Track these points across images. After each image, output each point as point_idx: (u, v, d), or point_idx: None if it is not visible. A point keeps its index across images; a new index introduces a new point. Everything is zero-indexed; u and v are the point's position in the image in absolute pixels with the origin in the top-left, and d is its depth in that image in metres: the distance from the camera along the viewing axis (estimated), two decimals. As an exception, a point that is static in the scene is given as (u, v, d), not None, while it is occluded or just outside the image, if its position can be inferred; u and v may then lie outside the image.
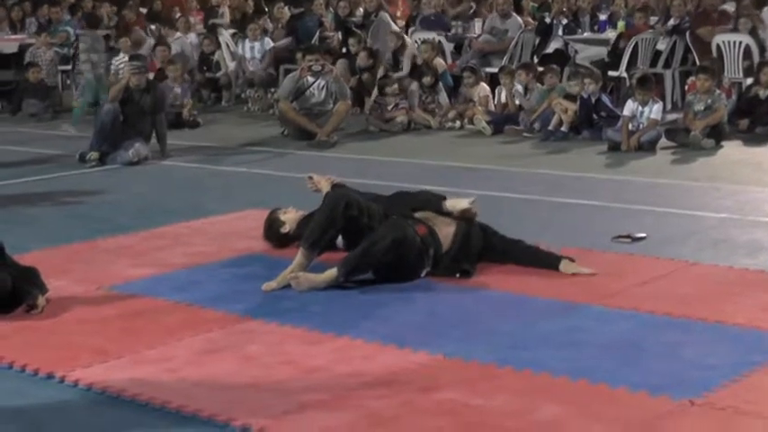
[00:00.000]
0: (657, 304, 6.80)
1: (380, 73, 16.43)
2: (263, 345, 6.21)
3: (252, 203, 10.17)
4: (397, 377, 5.66)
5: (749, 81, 15.02)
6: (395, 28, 17.90)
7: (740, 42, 16.02)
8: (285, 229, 8.30)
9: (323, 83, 14.58)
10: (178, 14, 21.47)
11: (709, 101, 13.45)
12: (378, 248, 7.23)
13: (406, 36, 17.28)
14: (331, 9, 20.06)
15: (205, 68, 18.92)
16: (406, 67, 16.37)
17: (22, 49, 19.64)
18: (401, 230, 7.36)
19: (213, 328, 6.50)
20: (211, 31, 20.33)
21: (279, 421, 5.10)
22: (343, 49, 17.92)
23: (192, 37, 19.84)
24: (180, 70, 16.73)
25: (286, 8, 20.68)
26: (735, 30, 16.38)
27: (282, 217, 8.37)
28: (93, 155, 12.77)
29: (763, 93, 14.20)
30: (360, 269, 7.34)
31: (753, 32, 16.23)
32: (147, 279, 7.65)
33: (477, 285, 7.36)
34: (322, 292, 7.20)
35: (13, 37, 20.93)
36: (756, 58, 15.68)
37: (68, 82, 20.11)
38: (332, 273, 7.23)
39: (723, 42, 16.15)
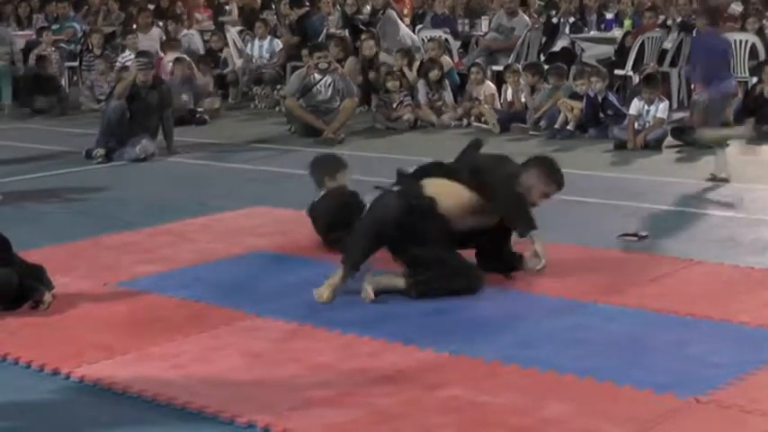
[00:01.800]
0: (663, 302, 6.81)
1: (396, 64, 16.35)
2: (269, 341, 6.22)
3: (258, 201, 10.18)
4: (403, 374, 5.67)
5: (755, 80, 15.01)
6: (407, 35, 17.84)
7: (746, 41, 16.03)
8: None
9: (330, 80, 14.58)
10: (184, 11, 21.49)
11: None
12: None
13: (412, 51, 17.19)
14: (338, 7, 20.06)
15: (212, 65, 18.92)
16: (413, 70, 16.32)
17: (30, 45, 19.66)
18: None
19: (219, 325, 6.50)
20: (220, 28, 20.36)
21: (284, 418, 5.09)
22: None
23: (196, 35, 19.85)
24: (187, 69, 16.71)
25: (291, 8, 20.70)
26: (742, 29, 16.38)
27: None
28: (100, 151, 12.79)
29: (767, 90, 14.23)
30: None
31: (759, 32, 16.24)
32: (154, 276, 7.65)
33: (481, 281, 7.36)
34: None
35: (20, 33, 20.94)
36: (763, 58, 15.68)
37: (75, 78, 20.13)
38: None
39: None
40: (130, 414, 5.27)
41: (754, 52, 15.91)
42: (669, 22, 17.47)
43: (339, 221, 7.93)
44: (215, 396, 5.38)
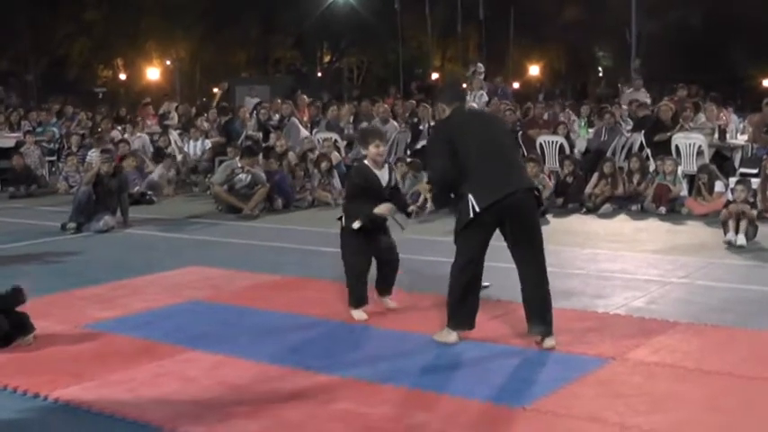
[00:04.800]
0: (498, 335, 6.87)
1: (294, 160, 16.40)
2: (200, 369, 6.14)
3: (193, 262, 10.09)
4: (304, 393, 5.64)
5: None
6: (305, 133, 17.98)
7: (557, 141, 16.37)
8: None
9: (248, 175, 14.61)
10: (138, 118, 21.37)
11: (538, 183, 13.66)
12: None
13: (314, 141, 17.36)
14: (255, 114, 20.11)
15: (159, 159, 18.83)
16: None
17: (19, 144, 19.51)
18: None
19: (163, 357, 6.41)
20: (164, 131, 20.29)
21: (213, 428, 5.05)
22: (263, 144, 17.97)
23: (146, 137, 19.72)
24: (136, 162, 16.67)
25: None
26: (554, 132, 16.74)
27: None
28: (72, 225, 12.65)
29: (568, 179, 14.60)
30: None
31: (567, 136, 16.62)
32: (113, 320, 7.52)
33: (364, 323, 7.35)
34: (245, 330, 7.15)
35: (12, 135, 20.70)
36: (568, 154, 16.06)
37: (53, 169, 19.90)
38: None
39: (544, 141, 16.49)
40: (94, 427, 5.17)
41: (562, 149, 16.26)
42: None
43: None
44: (159, 411, 5.30)
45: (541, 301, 6.70)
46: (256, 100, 22.95)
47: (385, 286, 7.71)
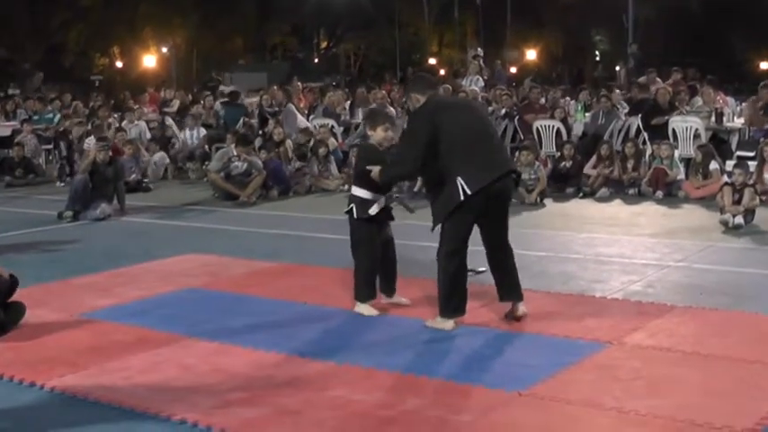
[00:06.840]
0: (493, 321, 6.86)
1: (291, 146, 16.39)
2: (197, 357, 6.13)
3: (190, 249, 10.08)
4: (300, 380, 5.63)
5: (559, 154, 15.32)
6: (303, 122, 17.92)
7: (553, 126, 16.33)
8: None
9: (244, 163, 14.58)
10: (136, 107, 21.27)
11: (533, 171, 13.64)
12: None
13: (312, 132, 17.29)
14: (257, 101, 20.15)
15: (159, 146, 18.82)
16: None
17: (15, 132, 19.45)
18: None
19: (159, 345, 6.39)
20: (163, 118, 20.25)
21: (209, 415, 5.03)
22: (260, 132, 17.95)
23: (143, 124, 19.65)
24: (133, 149, 16.62)
25: (216, 101, 20.62)
26: (551, 117, 16.71)
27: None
28: (68, 213, 12.64)
29: (567, 163, 14.55)
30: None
31: (563, 120, 16.59)
32: (110, 308, 7.51)
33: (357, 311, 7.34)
34: (240, 317, 7.13)
35: (7, 123, 20.64)
36: (565, 138, 16.01)
37: (50, 158, 19.86)
38: None
39: (541, 126, 16.46)
40: (90, 415, 5.16)
41: (559, 133, 16.23)
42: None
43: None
44: (155, 399, 5.29)
45: (513, 277, 6.90)
46: (231, 89, 22.95)
47: (392, 287, 7.44)
